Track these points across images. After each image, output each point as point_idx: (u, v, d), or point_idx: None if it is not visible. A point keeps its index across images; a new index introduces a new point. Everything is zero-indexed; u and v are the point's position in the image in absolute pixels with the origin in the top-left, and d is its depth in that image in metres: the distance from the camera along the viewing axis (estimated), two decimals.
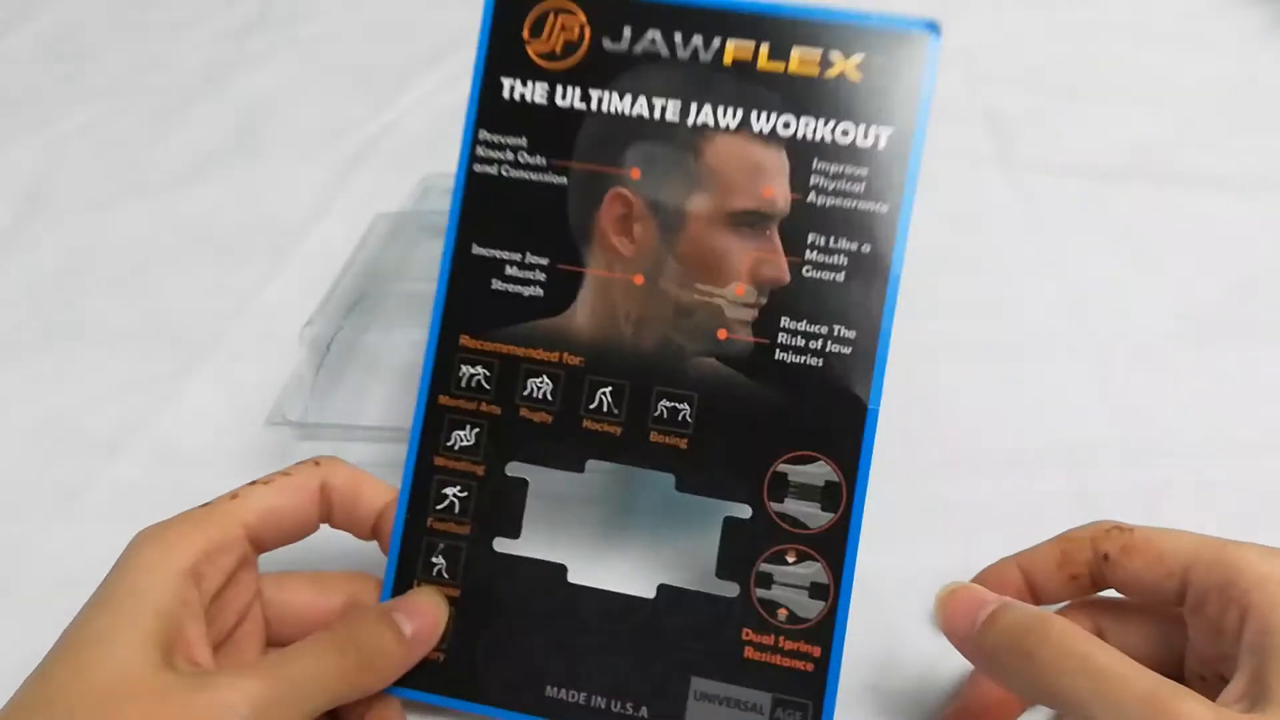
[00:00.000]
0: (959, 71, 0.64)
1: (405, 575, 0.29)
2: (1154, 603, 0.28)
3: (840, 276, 0.29)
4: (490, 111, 0.30)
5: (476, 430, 0.30)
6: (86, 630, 0.25)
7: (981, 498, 0.38)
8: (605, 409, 0.30)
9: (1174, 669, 0.28)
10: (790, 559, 0.28)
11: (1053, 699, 0.24)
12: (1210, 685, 0.26)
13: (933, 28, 0.28)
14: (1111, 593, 0.29)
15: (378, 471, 0.39)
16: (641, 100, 0.30)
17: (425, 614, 0.28)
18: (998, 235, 0.50)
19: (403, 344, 0.44)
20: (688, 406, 0.29)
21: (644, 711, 0.28)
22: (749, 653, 0.28)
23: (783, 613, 0.28)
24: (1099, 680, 0.23)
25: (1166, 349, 0.43)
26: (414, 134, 0.61)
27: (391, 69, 0.67)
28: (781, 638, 0.28)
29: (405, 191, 0.52)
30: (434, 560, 0.29)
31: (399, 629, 0.27)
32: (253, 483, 0.29)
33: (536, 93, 0.30)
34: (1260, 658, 0.23)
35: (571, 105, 0.30)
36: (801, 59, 0.29)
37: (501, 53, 0.31)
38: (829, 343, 0.29)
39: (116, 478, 0.40)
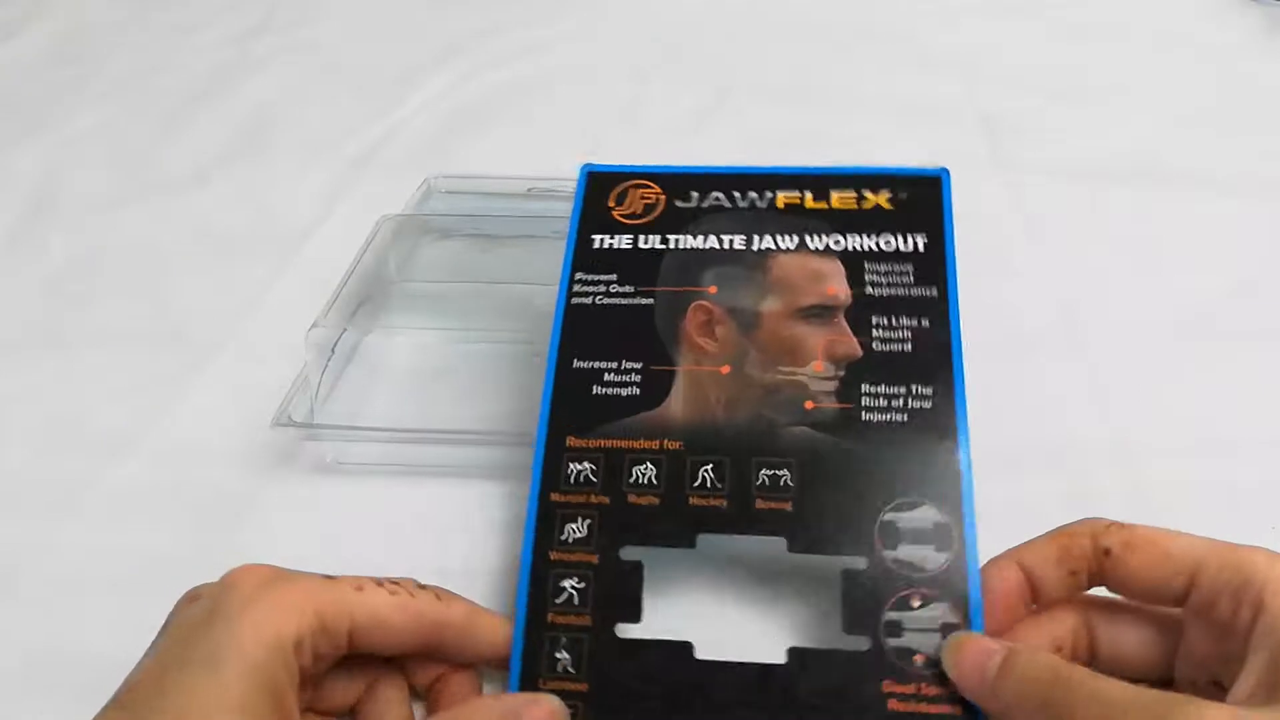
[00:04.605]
0: (955, 74, 0.64)
1: (530, 674, 0.29)
2: (1151, 600, 0.28)
3: (908, 347, 0.33)
4: (584, 258, 0.36)
5: (588, 521, 0.31)
6: (189, 696, 0.24)
7: (977, 497, 0.38)
8: (709, 485, 0.31)
9: (1163, 672, 0.28)
10: (915, 603, 0.29)
11: None
12: (1201, 690, 0.26)
13: (944, 172, 0.37)
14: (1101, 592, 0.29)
15: (382, 471, 0.40)
16: (712, 238, 0.36)
17: None
18: (993, 237, 0.50)
19: (406, 345, 0.44)
20: (788, 471, 0.31)
21: None
22: (894, 705, 0.27)
23: (919, 659, 0.28)
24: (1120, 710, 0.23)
25: (1162, 350, 0.43)
26: (418, 137, 0.62)
27: (395, 72, 0.68)
28: (923, 684, 0.28)
29: (409, 194, 0.53)
30: (558, 656, 0.29)
31: None
32: (379, 582, 0.28)
33: (622, 242, 0.37)
34: (1274, 655, 0.23)
35: (653, 247, 0.36)
36: (840, 198, 0.37)
37: (592, 218, 0.37)
38: (910, 400, 0.32)
39: (123, 477, 0.41)
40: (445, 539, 0.37)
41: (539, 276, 0.47)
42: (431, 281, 0.48)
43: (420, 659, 0.30)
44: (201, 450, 0.41)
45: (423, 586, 0.29)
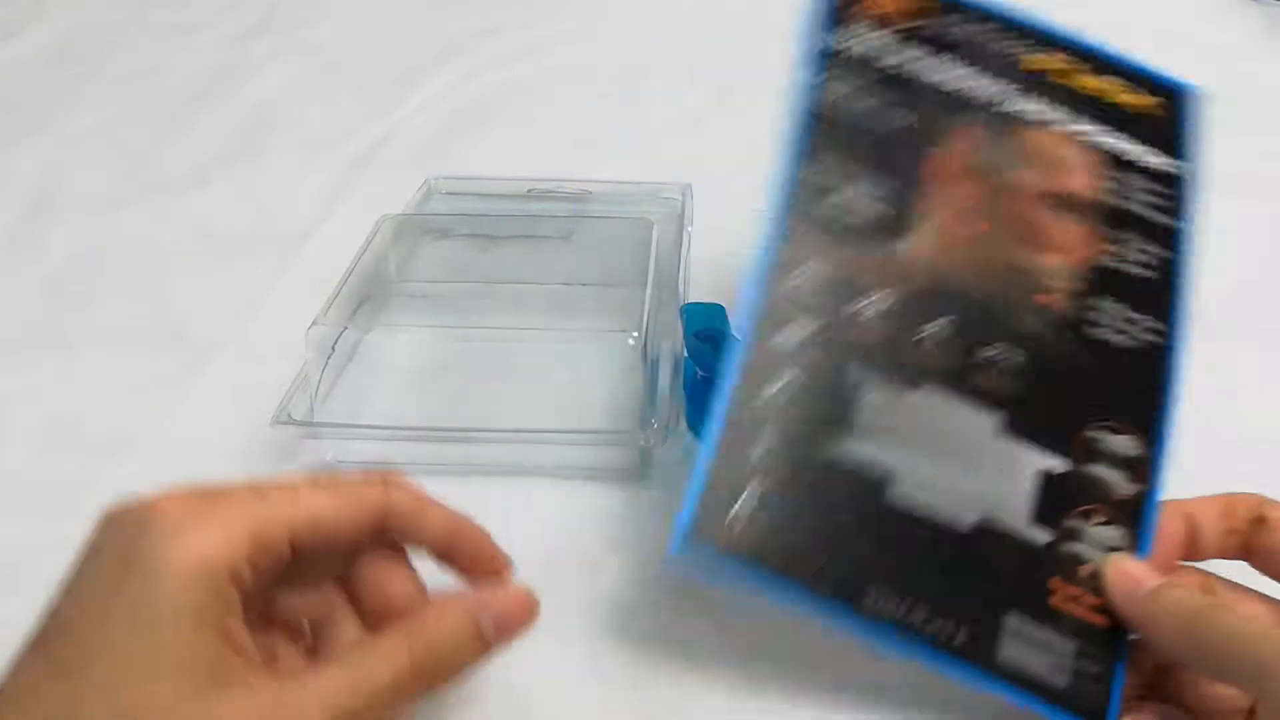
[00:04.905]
0: None
1: (729, 451, 0.28)
2: None
3: (1153, 275, 0.32)
4: (827, 53, 0.33)
5: (808, 328, 0.30)
6: (120, 654, 0.23)
7: None
8: (938, 340, 0.31)
9: None
10: (1096, 520, 0.30)
11: (1225, 672, 0.25)
12: None
13: (1196, 90, 0.35)
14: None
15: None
16: (971, 76, 0.33)
17: (511, 613, 0.27)
18: None
19: (406, 344, 0.44)
20: (1014, 357, 0.31)
21: (961, 636, 0.28)
22: (1055, 601, 0.29)
23: (1086, 569, 0.29)
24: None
25: None
26: (418, 137, 0.62)
27: (395, 72, 0.68)
28: (1085, 593, 0.29)
29: (409, 194, 0.53)
30: (756, 445, 0.29)
31: (481, 632, 0.26)
32: (314, 481, 0.27)
33: (872, 43, 0.33)
34: None
35: (906, 63, 0.33)
36: (1103, 84, 0.34)
37: (843, 5, 0.33)
38: (1142, 331, 0.32)
39: (124, 477, 0.40)
40: None
41: (539, 276, 0.47)
42: (431, 281, 0.48)
43: (371, 587, 0.29)
44: (201, 450, 0.41)
45: (368, 477, 0.28)
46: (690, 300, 0.43)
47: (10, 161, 0.60)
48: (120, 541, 0.24)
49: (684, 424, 0.40)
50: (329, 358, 0.41)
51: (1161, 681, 0.30)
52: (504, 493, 0.38)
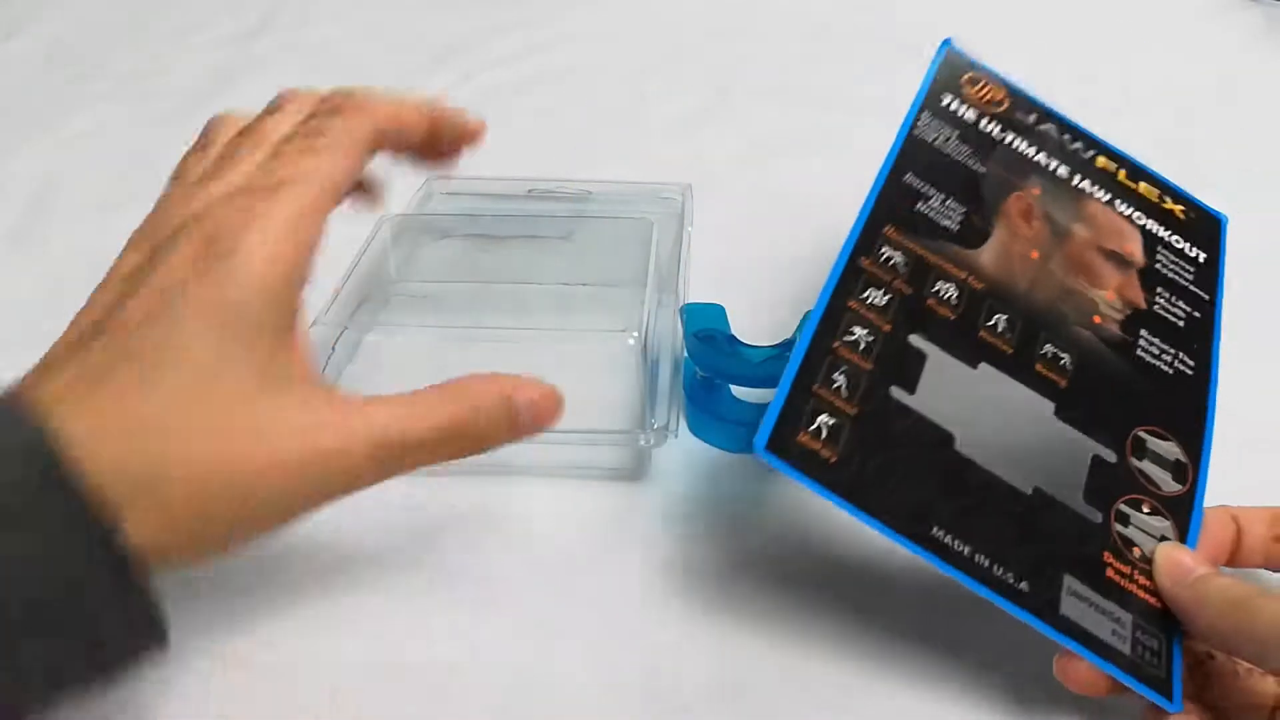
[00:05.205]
0: None
1: (805, 381, 0.30)
2: None
3: (1182, 324, 0.38)
4: (933, 107, 0.40)
5: (889, 297, 0.33)
6: (197, 347, 0.24)
7: None
8: (1000, 329, 0.34)
9: None
10: (1145, 509, 0.32)
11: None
12: None
13: (1225, 218, 0.43)
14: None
15: None
16: (1041, 154, 0.41)
17: (541, 406, 0.28)
18: None
19: (406, 344, 0.44)
20: (1068, 356, 0.35)
21: (1024, 585, 0.29)
22: (1110, 573, 0.30)
23: (1136, 551, 0.31)
24: None
25: None
26: None
27: (395, 73, 0.68)
28: (1137, 572, 0.31)
29: (409, 195, 0.53)
30: (836, 377, 0.31)
31: (516, 414, 0.28)
32: (307, 143, 0.28)
33: (967, 114, 0.40)
34: None
35: (991, 132, 0.40)
36: (1147, 189, 0.42)
37: (945, 82, 0.41)
38: (1176, 361, 0.36)
39: None
40: (444, 536, 0.37)
41: (539, 276, 0.47)
42: (431, 281, 0.48)
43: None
44: None
45: (347, 106, 0.30)
46: (690, 300, 0.43)
47: (10, 162, 0.60)
48: (187, 250, 0.26)
49: (684, 424, 0.40)
50: (329, 358, 0.41)
51: (1188, 680, 0.30)
52: (503, 492, 0.38)
